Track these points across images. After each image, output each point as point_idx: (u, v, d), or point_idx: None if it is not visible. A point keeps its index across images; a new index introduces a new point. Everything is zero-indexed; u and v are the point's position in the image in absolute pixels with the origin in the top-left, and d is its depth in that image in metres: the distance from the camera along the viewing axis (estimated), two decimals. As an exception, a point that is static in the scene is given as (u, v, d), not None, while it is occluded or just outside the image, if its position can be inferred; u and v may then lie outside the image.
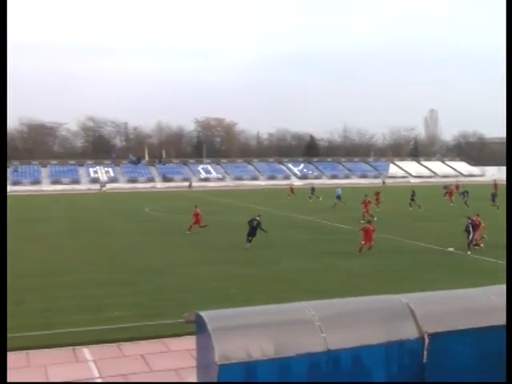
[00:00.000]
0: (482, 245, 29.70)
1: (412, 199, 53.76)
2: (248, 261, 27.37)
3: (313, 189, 70.35)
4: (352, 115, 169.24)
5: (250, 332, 10.09)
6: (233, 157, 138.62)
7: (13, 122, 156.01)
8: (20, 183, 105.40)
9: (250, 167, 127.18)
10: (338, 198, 56.07)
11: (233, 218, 45.90)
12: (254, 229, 31.50)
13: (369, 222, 31.09)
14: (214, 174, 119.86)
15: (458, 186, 65.48)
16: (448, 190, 62.02)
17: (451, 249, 29.63)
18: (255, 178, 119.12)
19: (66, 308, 19.23)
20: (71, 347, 15.34)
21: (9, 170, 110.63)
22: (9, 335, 16.25)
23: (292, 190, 74.53)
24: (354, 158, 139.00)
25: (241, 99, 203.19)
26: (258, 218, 32.32)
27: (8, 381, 13.18)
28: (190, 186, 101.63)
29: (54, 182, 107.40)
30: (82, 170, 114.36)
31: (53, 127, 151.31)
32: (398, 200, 58.65)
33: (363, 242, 28.65)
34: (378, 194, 53.85)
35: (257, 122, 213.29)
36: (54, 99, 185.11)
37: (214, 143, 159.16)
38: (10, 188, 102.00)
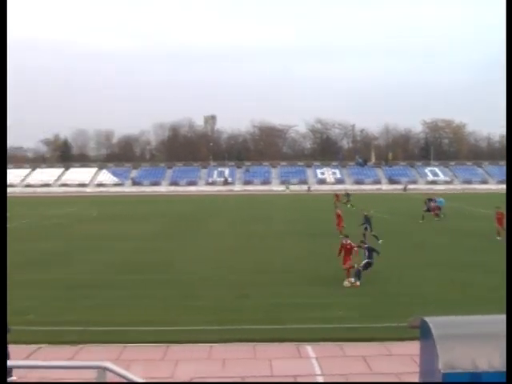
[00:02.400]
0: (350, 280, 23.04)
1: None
2: (470, 265, 26.11)
3: (347, 195, 65.62)
4: None
5: (477, 341, 9.62)
6: (461, 159, 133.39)
7: (245, 125, 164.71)
8: (251, 183, 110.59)
9: (480, 170, 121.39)
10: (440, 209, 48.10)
11: (466, 223, 44.16)
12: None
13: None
14: (441, 177, 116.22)
15: None
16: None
17: None
18: (485, 182, 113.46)
19: (290, 304, 19.78)
20: (295, 343, 15.76)
21: (241, 171, 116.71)
22: (236, 327, 17.21)
23: (338, 196, 62.86)
24: None
25: (471, 99, 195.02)
26: (366, 214, 36.40)
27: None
28: (404, 188, 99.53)
29: (282, 182, 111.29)
30: (309, 172, 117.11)
31: (283, 129, 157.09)
32: None
33: None
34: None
35: (488, 122, 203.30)
36: (284, 102, 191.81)
37: (441, 145, 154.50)
38: (241, 187, 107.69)
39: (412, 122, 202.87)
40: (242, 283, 23.29)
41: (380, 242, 32.76)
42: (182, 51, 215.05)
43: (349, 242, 23.20)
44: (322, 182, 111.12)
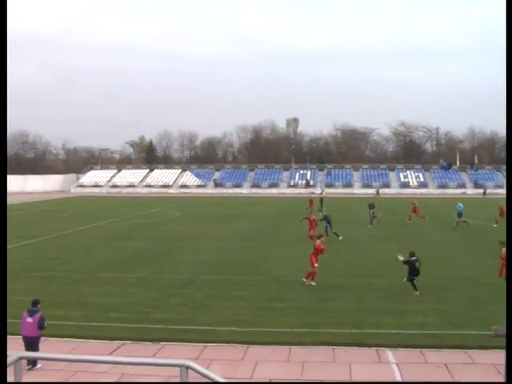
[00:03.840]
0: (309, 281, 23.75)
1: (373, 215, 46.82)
2: None
3: (322, 200, 62.57)
4: None
5: None
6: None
7: (327, 127, 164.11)
8: (333, 186, 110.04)
9: None
10: (459, 215, 44.91)
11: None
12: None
13: None
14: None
15: None
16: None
17: None
18: None
19: (372, 309, 19.63)
20: (375, 348, 15.62)
21: (322, 173, 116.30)
22: (316, 330, 17.17)
23: (311, 202, 59.68)
24: None
25: None
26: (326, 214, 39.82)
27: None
28: (484, 192, 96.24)
29: (364, 186, 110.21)
30: (392, 175, 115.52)
31: (365, 132, 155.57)
32: None
33: None
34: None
35: None
36: (367, 105, 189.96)
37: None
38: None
39: (499, 124, 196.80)
40: (324, 286, 23.23)
41: (340, 238, 36.61)
42: (264, 53, 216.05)
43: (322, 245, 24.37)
44: (405, 185, 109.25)
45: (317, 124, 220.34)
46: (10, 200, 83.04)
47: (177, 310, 19.67)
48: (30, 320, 14.47)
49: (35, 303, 14.96)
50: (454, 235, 40.14)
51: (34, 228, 45.16)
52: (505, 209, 43.47)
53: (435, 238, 38.82)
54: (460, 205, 45.76)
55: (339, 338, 16.47)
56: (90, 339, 16.50)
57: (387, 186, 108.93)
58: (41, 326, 14.54)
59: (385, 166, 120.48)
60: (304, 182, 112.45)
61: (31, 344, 14.31)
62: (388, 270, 26.37)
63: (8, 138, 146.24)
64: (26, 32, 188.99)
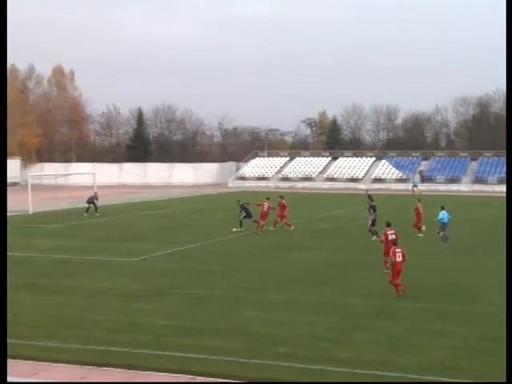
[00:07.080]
0: None
1: None
2: None
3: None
4: None
5: None
6: None
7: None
8: None
9: None
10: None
11: None
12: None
13: None
14: None
15: None
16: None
17: None
18: None
19: None
20: None
21: None
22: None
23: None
24: None
25: None
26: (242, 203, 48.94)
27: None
28: None
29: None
30: None
31: None
32: None
33: None
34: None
35: None
36: None
37: None
38: None
39: None
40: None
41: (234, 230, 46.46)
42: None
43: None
44: None
45: None
46: (152, 195, 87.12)
47: (366, 348, 19.63)
48: None
49: None
50: None
51: (184, 232, 47.12)
52: None
53: None
54: (443, 212, 41.88)
55: None
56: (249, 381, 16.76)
57: None
58: None
59: None
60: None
61: None
62: None
63: (148, 115, 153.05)
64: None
